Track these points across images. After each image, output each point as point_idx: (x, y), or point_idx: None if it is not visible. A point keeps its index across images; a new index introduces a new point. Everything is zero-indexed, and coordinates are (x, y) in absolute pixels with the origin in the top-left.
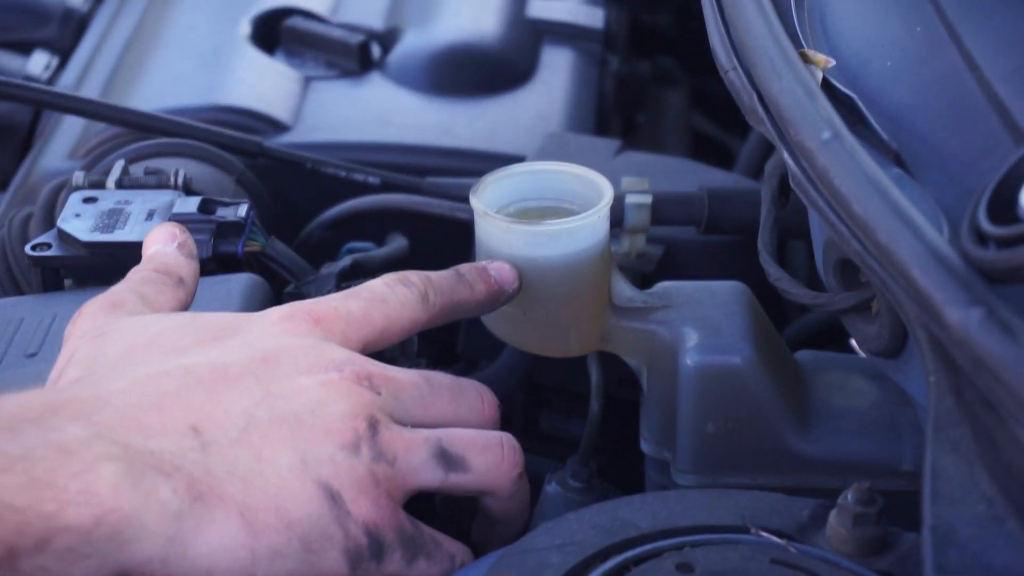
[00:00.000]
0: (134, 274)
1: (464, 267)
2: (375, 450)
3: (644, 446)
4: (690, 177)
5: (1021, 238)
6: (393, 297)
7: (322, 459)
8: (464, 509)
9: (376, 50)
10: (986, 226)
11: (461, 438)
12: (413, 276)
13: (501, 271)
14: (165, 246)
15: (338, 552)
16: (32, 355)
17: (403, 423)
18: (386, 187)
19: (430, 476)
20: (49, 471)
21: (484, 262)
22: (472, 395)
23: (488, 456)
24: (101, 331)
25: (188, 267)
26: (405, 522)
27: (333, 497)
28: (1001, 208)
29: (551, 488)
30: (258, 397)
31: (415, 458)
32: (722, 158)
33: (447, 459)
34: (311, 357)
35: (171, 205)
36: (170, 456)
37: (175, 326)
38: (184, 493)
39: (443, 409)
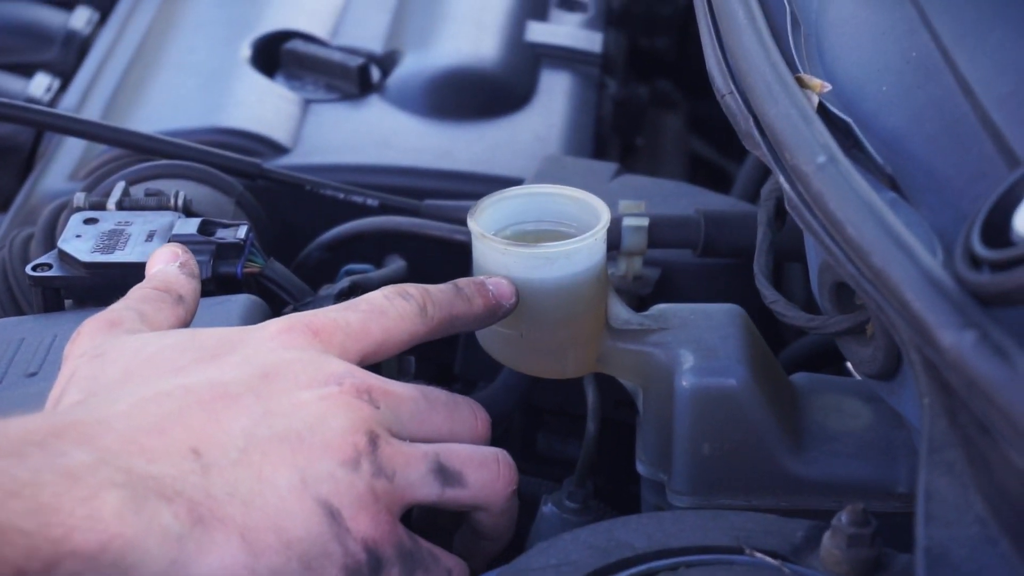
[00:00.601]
0: (134, 292)
1: (462, 281)
2: (375, 465)
3: (640, 467)
4: (687, 200)
5: (1015, 261)
6: (392, 310)
7: (322, 476)
8: (441, 523)
9: (376, 73)
10: (980, 250)
11: (459, 454)
12: (412, 289)
13: (499, 286)
14: (167, 265)
15: (337, 569)
16: (32, 375)
17: (400, 437)
18: (385, 209)
19: (428, 491)
20: (56, 496)
21: (482, 277)
22: (466, 411)
23: (485, 472)
24: (99, 351)
25: (188, 285)
26: (404, 537)
27: (333, 515)
28: (995, 232)
29: (547, 509)
30: (257, 415)
31: (414, 473)
32: (720, 182)
33: (445, 474)
34: (310, 371)
35: (171, 226)
36: (171, 480)
37: (173, 344)
38: (185, 517)
39: (438, 424)
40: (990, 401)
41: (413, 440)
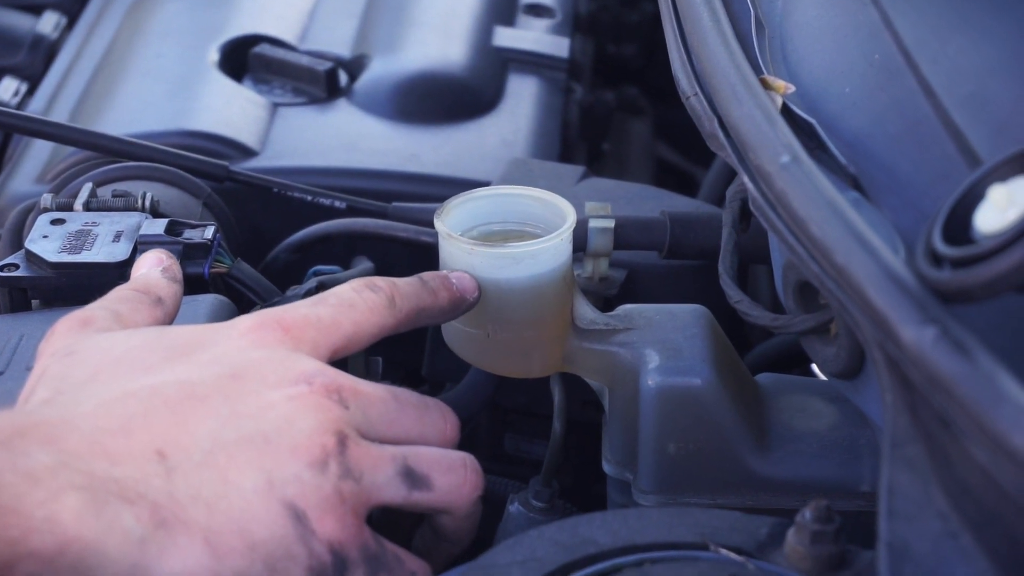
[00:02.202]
0: (112, 293)
1: (427, 275)
2: (343, 467)
3: (606, 466)
4: (653, 203)
5: (975, 259)
6: (361, 303)
7: (288, 478)
8: (402, 524)
9: (343, 77)
10: (941, 247)
11: (426, 457)
12: (380, 282)
13: (462, 280)
14: (150, 270)
15: (302, 570)
16: None
17: (369, 437)
18: (352, 211)
19: (394, 493)
20: (15, 497)
21: (446, 271)
22: (436, 414)
23: (452, 476)
24: (70, 350)
25: (168, 288)
26: (369, 539)
27: (298, 517)
28: (956, 230)
29: (514, 508)
30: (224, 417)
31: (381, 475)
32: (686, 187)
33: (412, 477)
34: (279, 370)
35: (138, 227)
36: (134, 483)
37: (142, 343)
38: (147, 520)
39: (407, 425)
40: (950, 396)
41: (382, 441)
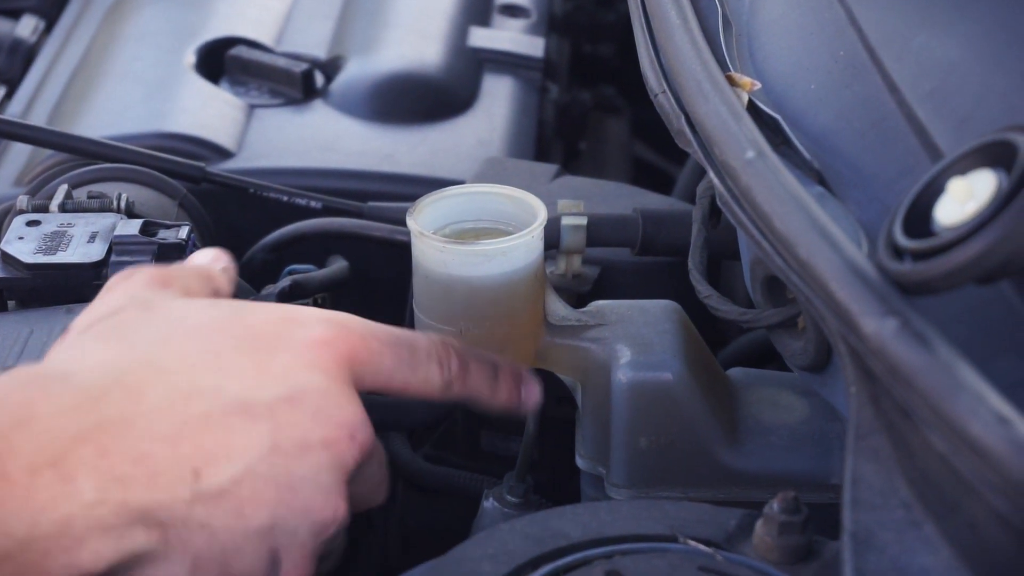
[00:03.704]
0: (182, 264)
1: (505, 370)
2: (334, 530)
3: (579, 461)
4: (626, 200)
5: (935, 251)
6: (421, 372)
7: (289, 529)
8: None
9: (319, 79)
10: (902, 240)
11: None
12: (455, 361)
13: (532, 393)
14: (211, 262)
15: None
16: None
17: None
18: (328, 211)
19: (325, 551)
20: (45, 553)
21: (524, 369)
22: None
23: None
24: (148, 304)
25: (226, 290)
26: None
27: (275, 564)
28: (917, 223)
29: (488, 504)
30: (264, 450)
31: (335, 541)
32: (663, 185)
33: (328, 553)
34: (331, 408)
35: (113, 228)
36: (159, 509)
37: (219, 321)
38: (156, 540)
39: (373, 490)
40: (911, 386)
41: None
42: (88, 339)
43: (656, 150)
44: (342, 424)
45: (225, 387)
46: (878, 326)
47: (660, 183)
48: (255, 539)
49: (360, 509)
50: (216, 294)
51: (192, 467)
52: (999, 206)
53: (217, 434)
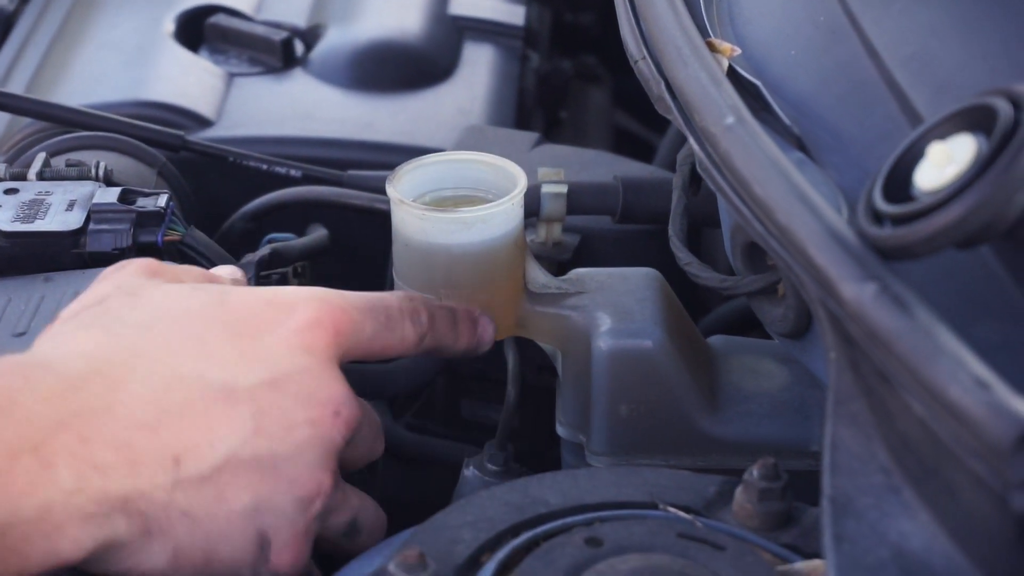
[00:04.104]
0: (182, 268)
1: (462, 313)
2: (324, 507)
3: (560, 429)
4: (606, 168)
5: (915, 215)
6: (399, 330)
7: (274, 509)
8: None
9: (299, 47)
10: (881, 205)
11: (371, 515)
12: (424, 314)
13: (486, 329)
14: (222, 273)
15: None
16: (21, 334)
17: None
18: (307, 180)
19: (336, 536)
20: (24, 539)
21: (478, 312)
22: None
23: (377, 530)
24: (133, 291)
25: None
26: (312, 565)
27: (262, 546)
28: (896, 188)
29: (469, 472)
30: (247, 434)
31: (339, 520)
32: (644, 153)
33: (354, 529)
34: (315, 387)
35: (91, 196)
36: (139, 497)
37: (203, 306)
38: (136, 529)
39: (364, 453)
40: (890, 350)
41: (344, 458)
42: (71, 327)
43: (638, 119)
44: (326, 402)
45: (207, 373)
46: (857, 291)
47: (642, 152)
48: (239, 523)
49: (360, 466)
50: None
51: (172, 455)
52: (979, 170)
53: (198, 421)
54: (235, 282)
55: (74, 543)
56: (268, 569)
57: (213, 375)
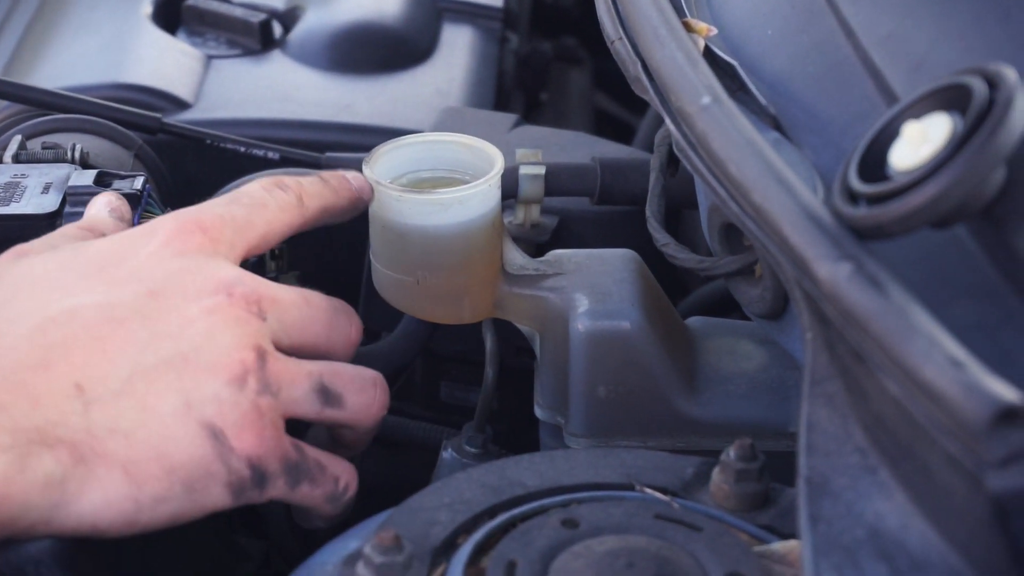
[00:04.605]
0: (58, 230)
1: (327, 174)
2: (261, 382)
3: (538, 411)
4: (584, 149)
5: (890, 195)
6: (272, 201)
7: (206, 398)
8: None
9: (277, 29)
10: (857, 184)
11: (341, 375)
12: (288, 180)
13: (358, 179)
14: (98, 210)
15: (221, 487)
16: None
17: (283, 345)
18: (285, 162)
19: (308, 408)
20: None
21: (342, 171)
22: (343, 318)
23: (363, 396)
24: None
25: (115, 227)
26: (289, 449)
27: (216, 435)
28: (872, 167)
29: (447, 454)
30: (144, 341)
31: (297, 390)
32: (625, 135)
33: (326, 395)
34: (199, 280)
35: (67, 178)
36: (53, 426)
37: (61, 262)
38: (67, 459)
39: (318, 331)
40: (865, 330)
41: (295, 346)
42: None
43: (618, 101)
44: (215, 289)
45: (80, 306)
46: (832, 270)
47: (622, 134)
48: (176, 421)
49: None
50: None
51: (73, 382)
52: (954, 149)
53: (87, 347)
54: (113, 211)
55: (3, 479)
56: (237, 456)
57: (86, 304)
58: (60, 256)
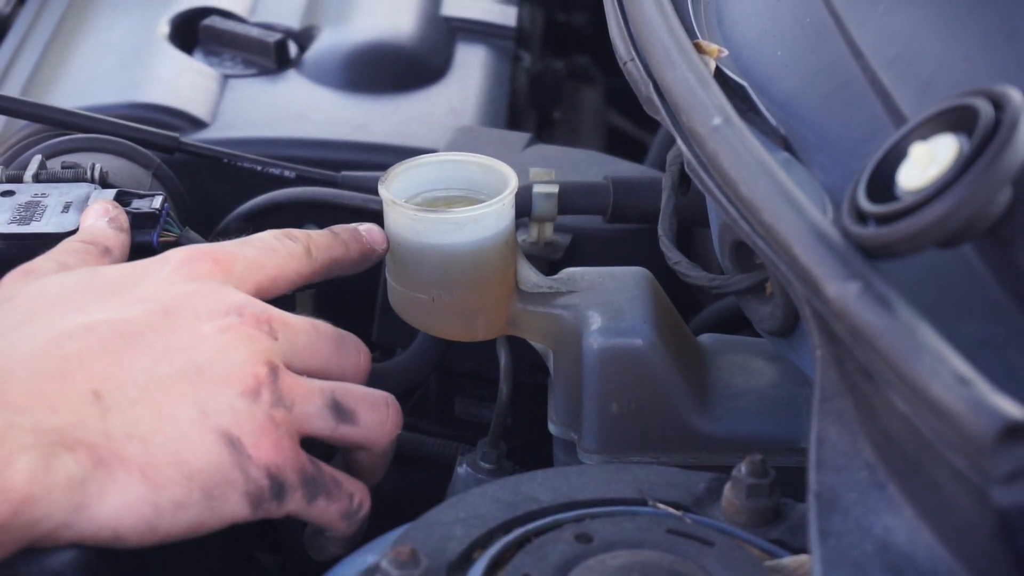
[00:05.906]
0: (60, 245)
1: (338, 228)
2: (275, 395)
3: (552, 427)
4: (597, 168)
5: (898, 215)
6: (282, 248)
7: (222, 408)
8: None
9: (293, 49)
10: (865, 204)
11: (353, 393)
12: (297, 233)
13: (371, 232)
14: (96, 220)
15: (239, 496)
16: None
17: (293, 366)
18: (302, 181)
19: (322, 424)
20: None
21: (356, 224)
22: (351, 346)
23: (375, 413)
24: (9, 296)
25: (116, 238)
26: (306, 463)
27: (233, 443)
28: (880, 187)
29: (462, 470)
30: (158, 352)
31: (311, 406)
32: (637, 153)
33: (339, 411)
34: (210, 302)
35: (87, 197)
36: (72, 429)
37: (76, 283)
38: (87, 462)
39: (327, 357)
40: (873, 348)
41: (305, 372)
42: None
43: (631, 119)
44: (226, 311)
45: (95, 322)
46: (841, 289)
47: (635, 152)
48: (193, 428)
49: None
50: (105, 253)
51: (90, 390)
52: (960, 170)
53: (103, 358)
54: (111, 220)
55: (28, 478)
56: (255, 465)
57: (102, 320)
58: (75, 277)
